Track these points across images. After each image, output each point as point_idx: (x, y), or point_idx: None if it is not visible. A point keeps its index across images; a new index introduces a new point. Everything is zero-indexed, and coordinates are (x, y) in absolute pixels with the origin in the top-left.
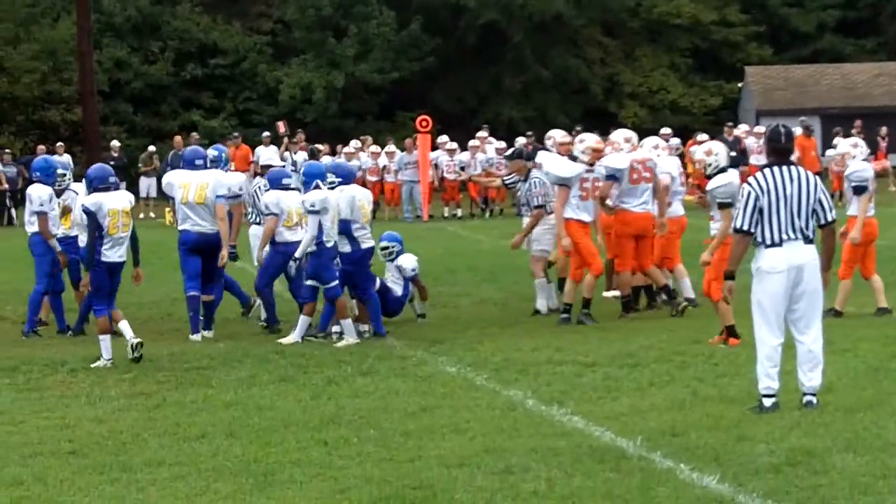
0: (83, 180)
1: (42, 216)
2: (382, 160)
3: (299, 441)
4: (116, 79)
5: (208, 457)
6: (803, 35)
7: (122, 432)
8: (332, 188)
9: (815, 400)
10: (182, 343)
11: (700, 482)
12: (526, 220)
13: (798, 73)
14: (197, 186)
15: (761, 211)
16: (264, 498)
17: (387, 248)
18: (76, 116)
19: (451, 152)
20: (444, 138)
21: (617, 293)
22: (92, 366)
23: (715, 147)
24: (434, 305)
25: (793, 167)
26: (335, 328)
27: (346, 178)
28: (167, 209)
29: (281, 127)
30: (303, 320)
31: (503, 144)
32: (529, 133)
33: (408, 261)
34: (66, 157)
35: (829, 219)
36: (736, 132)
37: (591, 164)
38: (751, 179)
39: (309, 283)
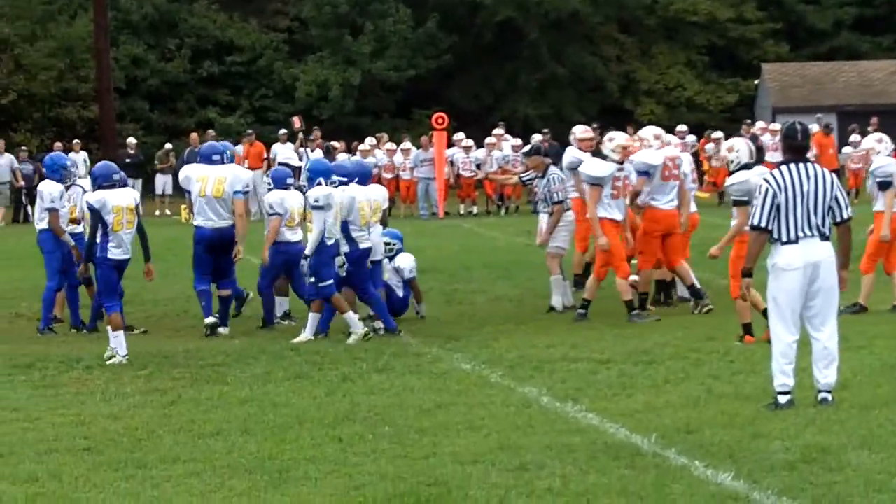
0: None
1: (53, 213)
2: (398, 158)
3: (314, 438)
4: (133, 76)
5: (223, 453)
6: (820, 32)
7: (138, 429)
8: (336, 187)
9: (830, 397)
10: (197, 340)
11: (715, 479)
12: (542, 217)
13: (814, 70)
14: (215, 180)
15: (778, 208)
16: (279, 494)
17: (388, 244)
18: (93, 114)
19: (467, 149)
20: (460, 135)
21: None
22: (107, 363)
23: (737, 144)
24: (449, 302)
25: (809, 164)
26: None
27: (364, 177)
28: (183, 206)
29: (296, 122)
30: (312, 318)
31: (519, 142)
32: (545, 130)
33: (406, 262)
34: (83, 154)
35: (845, 216)
36: (753, 130)
37: (621, 162)
38: (768, 176)
39: (310, 280)
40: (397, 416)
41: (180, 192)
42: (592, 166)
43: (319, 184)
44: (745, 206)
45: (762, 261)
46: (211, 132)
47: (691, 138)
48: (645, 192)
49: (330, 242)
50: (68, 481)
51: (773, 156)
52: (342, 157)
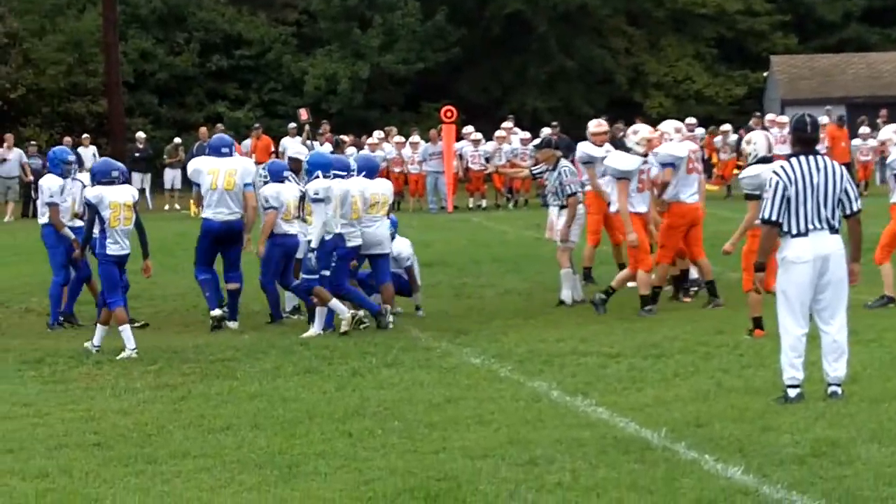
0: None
1: (53, 207)
2: (406, 151)
3: (324, 432)
4: (142, 70)
5: (233, 448)
6: (829, 24)
7: (147, 424)
8: (331, 179)
9: (839, 390)
10: (207, 335)
11: (724, 473)
12: (552, 210)
13: (823, 62)
14: (226, 173)
15: (788, 201)
16: (289, 489)
17: None
18: (102, 108)
19: (476, 143)
20: (469, 129)
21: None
22: (118, 357)
23: (754, 137)
24: (458, 296)
25: (819, 157)
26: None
27: (370, 171)
28: (192, 200)
29: (303, 114)
30: (319, 312)
31: (528, 135)
32: (555, 123)
33: (403, 248)
34: (92, 149)
35: (855, 209)
36: (765, 122)
37: (645, 155)
38: (778, 169)
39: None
40: (407, 410)
41: (189, 187)
42: (618, 160)
43: (317, 177)
44: (757, 200)
45: None
46: (220, 126)
47: (700, 131)
48: (672, 186)
49: (328, 237)
50: (78, 476)
51: (781, 148)
52: (350, 151)
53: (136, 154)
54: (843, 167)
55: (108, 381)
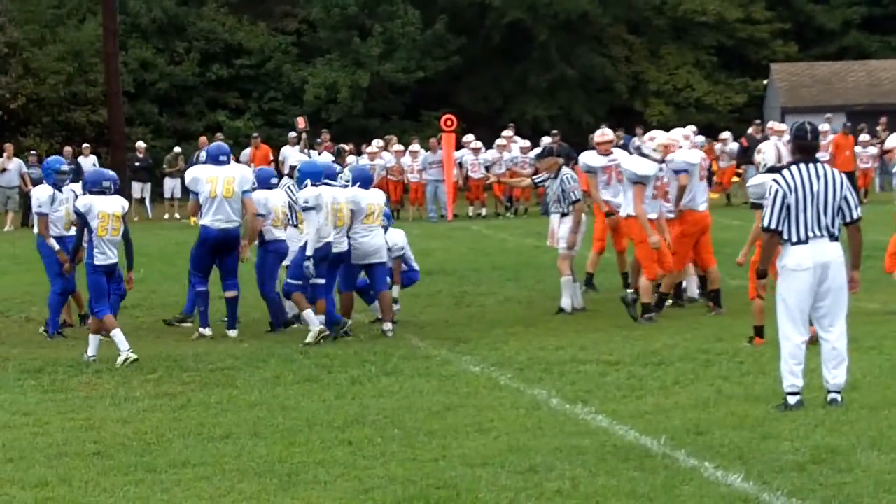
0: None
1: (41, 217)
2: (406, 160)
3: (324, 441)
4: (142, 80)
5: (233, 457)
6: (829, 32)
7: (147, 433)
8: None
9: (839, 398)
10: (206, 344)
11: (724, 480)
12: (553, 217)
13: (824, 70)
14: (224, 181)
15: (788, 208)
16: (289, 498)
17: None
18: (102, 118)
19: (476, 151)
20: (469, 137)
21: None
22: (117, 364)
23: (765, 146)
24: (458, 304)
25: (819, 164)
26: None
27: (365, 181)
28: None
29: (300, 122)
30: (306, 313)
31: (528, 143)
32: (555, 131)
33: (395, 238)
34: (92, 158)
35: (855, 216)
36: (766, 129)
37: (662, 161)
38: (777, 177)
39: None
40: (406, 418)
41: (188, 196)
42: (637, 165)
43: (307, 185)
44: (761, 209)
45: None
46: (220, 135)
47: (700, 139)
48: (688, 193)
49: (319, 244)
50: (78, 486)
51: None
52: (350, 160)
53: (137, 163)
54: (844, 175)
55: (107, 390)
